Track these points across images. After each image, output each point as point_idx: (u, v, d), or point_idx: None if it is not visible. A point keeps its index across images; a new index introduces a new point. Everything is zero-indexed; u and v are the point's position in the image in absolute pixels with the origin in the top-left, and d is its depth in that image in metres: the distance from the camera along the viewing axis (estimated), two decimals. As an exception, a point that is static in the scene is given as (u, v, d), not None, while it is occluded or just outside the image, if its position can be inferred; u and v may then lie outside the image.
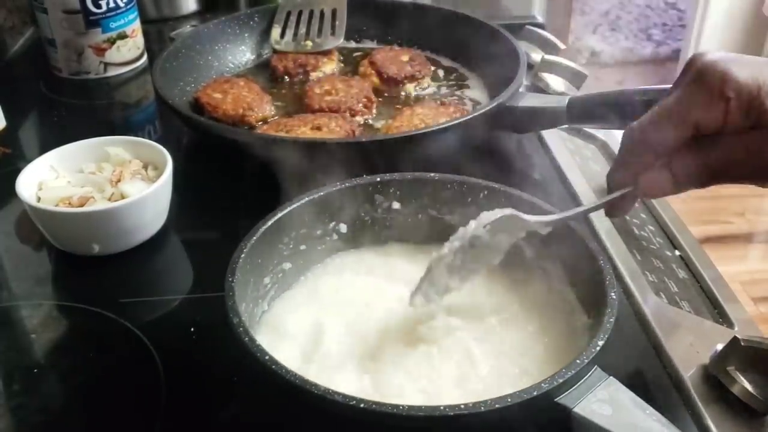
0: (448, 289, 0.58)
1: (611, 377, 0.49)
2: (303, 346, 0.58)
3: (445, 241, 0.58)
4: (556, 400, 0.47)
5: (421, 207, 0.67)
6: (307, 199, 0.64)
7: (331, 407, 0.46)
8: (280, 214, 0.62)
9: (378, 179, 0.66)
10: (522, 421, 0.47)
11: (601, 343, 0.49)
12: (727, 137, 0.49)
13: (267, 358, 0.48)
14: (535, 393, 0.46)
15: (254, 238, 0.59)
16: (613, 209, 0.58)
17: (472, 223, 0.57)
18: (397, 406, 0.45)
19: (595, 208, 0.58)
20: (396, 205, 0.67)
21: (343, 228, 0.67)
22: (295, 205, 0.63)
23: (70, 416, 0.59)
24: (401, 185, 0.67)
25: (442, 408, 0.45)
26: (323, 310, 0.61)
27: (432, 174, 0.67)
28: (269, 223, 0.61)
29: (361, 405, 0.45)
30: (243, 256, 0.57)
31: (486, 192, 0.65)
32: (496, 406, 0.45)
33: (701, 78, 0.49)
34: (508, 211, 0.56)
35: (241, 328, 0.50)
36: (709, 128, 0.49)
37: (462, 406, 0.45)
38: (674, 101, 0.50)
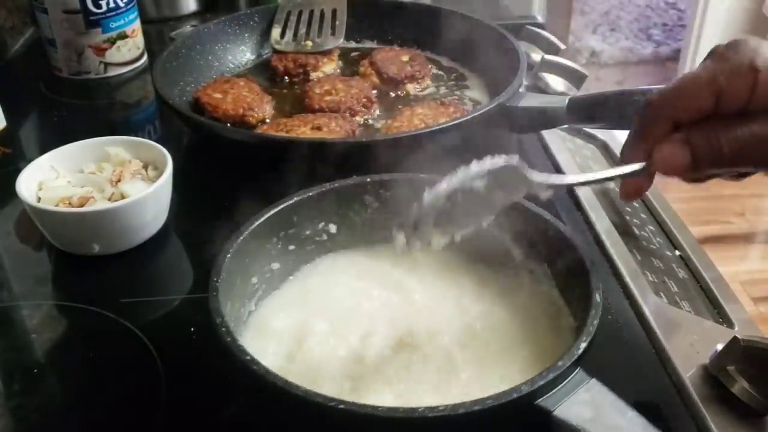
0: (430, 243, 0.54)
1: (594, 379, 0.48)
2: (287, 345, 0.58)
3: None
4: (536, 402, 0.46)
5: None
6: (295, 199, 0.63)
7: (296, 402, 0.46)
8: (266, 215, 0.61)
9: (368, 180, 0.66)
10: (502, 424, 0.47)
11: (583, 345, 0.48)
12: (753, 116, 0.46)
13: (248, 358, 0.48)
14: (514, 395, 0.45)
15: (240, 238, 0.59)
16: (626, 189, 0.54)
17: (474, 165, 0.52)
18: (375, 408, 0.45)
19: (603, 180, 0.55)
20: (387, 207, 0.66)
21: (333, 228, 0.67)
22: (282, 206, 0.63)
23: (70, 416, 0.59)
24: (394, 186, 0.65)
25: (420, 410, 0.44)
26: (310, 311, 0.61)
27: (432, 174, 0.66)
28: (255, 224, 0.61)
29: (331, 404, 0.45)
30: (229, 256, 0.57)
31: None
32: (475, 408, 0.44)
33: (732, 49, 0.46)
34: (514, 160, 0.52)
35: (223, 328, 0.50)
36: (734, 101, 0.46)
37: (441, 408, 0.44)
38: (700, 68, 0.47)
